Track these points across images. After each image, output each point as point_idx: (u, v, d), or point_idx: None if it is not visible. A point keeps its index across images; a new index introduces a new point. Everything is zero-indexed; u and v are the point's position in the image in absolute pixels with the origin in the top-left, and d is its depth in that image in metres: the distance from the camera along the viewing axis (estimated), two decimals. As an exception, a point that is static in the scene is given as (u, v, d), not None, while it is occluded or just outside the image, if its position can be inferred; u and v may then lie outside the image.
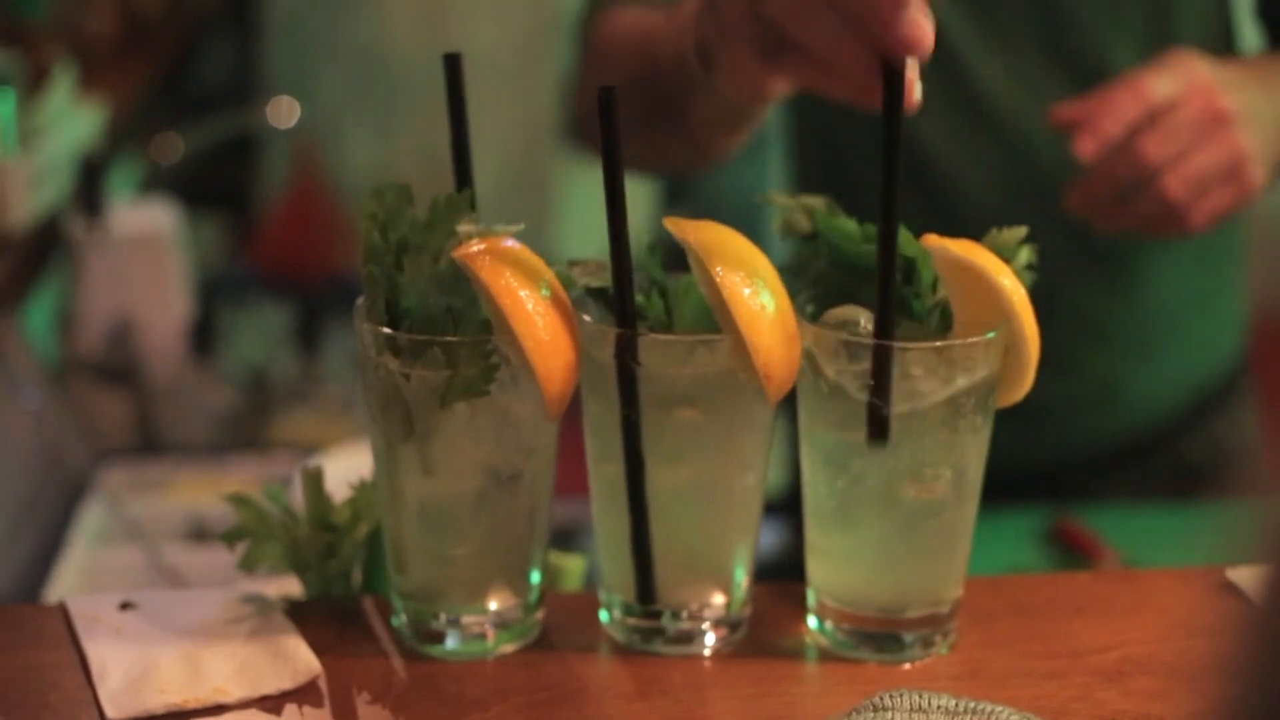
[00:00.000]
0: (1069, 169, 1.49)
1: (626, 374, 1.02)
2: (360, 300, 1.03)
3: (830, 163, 1.75)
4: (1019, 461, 1.76)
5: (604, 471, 1.06)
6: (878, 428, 1.01)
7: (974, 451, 1.05)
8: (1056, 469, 1.82)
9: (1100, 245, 1.69)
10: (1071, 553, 1.77)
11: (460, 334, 1.00)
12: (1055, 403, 1.74)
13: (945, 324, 1.05)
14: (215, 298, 2.62)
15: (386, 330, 1.01)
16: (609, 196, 1.00)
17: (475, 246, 0.99)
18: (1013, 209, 1.64)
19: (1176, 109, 1.41)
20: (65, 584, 1.72)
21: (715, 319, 1.02)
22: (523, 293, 0.98)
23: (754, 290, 1.00)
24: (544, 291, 0.99)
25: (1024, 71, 1.64)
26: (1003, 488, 1.63)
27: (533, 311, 0.98)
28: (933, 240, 1.03)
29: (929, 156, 1.67)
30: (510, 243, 1.00)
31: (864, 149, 1.34)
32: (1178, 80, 1.42)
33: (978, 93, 1.65)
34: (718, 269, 1.00)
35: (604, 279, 1.04)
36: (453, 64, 1.06)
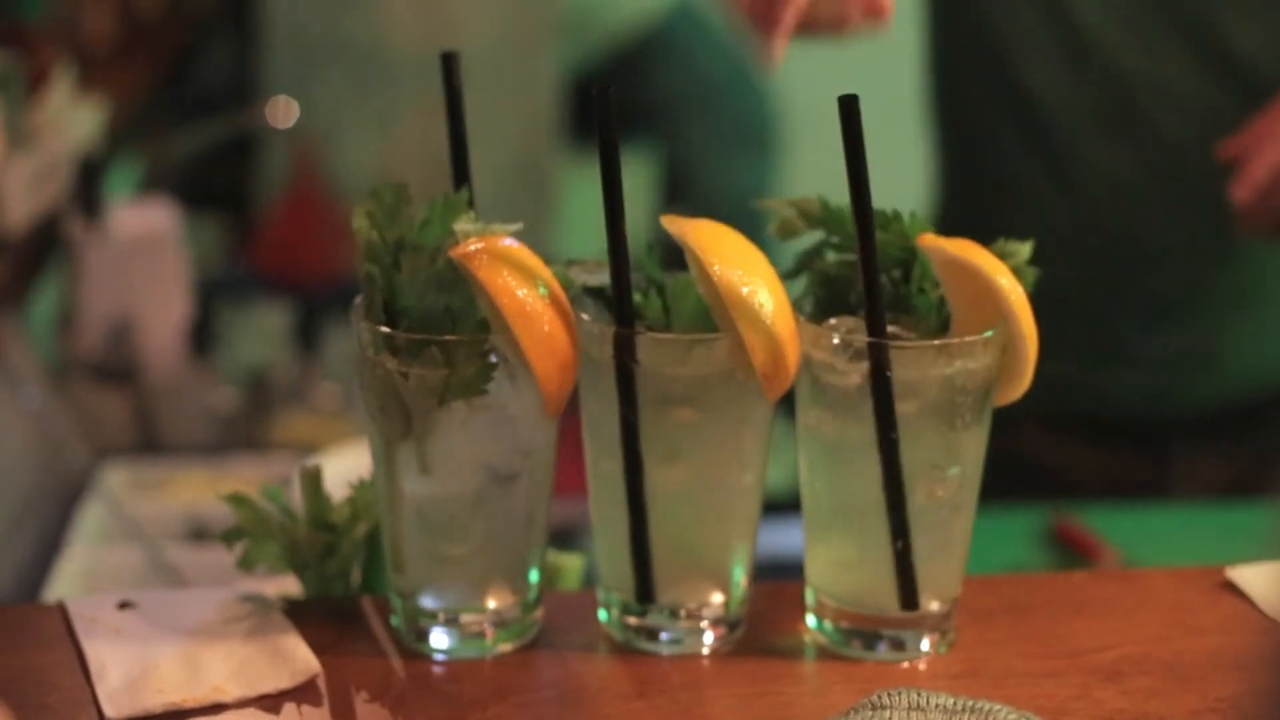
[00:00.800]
0: (1168, 113, 1.76)
1: (625, 373, 1.02)
2: (358, 299, 1.03)
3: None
4: (1121, 412, 1.90)
5: (602, 471, 1.06)
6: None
7: (972, 450, 1.05)
8: (1158, 424, 1.91)
9: (1197, 192, 1.78)
10: (1070, 552, 1.77)
11: (458, 333, 1.00)
12: (1155, 354, 1.86)
13: (943, 322, 1.05)
14: (214, 297, 2.62)
15: (384, 329, 1.01)
16: (607, 195, 1.01)
17: (473, 245, 0.99)
18: (1109, 145, 1.78)
19: None
20: (64, 584, 1.72)
21: (713, 318, 1.02)
22: (520, 292, 0.98)
23: (752, 289, 1.00)
24: (542, 290, 0.99)
25: (1128, 11, 1.77)
26: (1107, 434, 1.86)
27: (530, 311, 0.98)
28: (929, 240, 1.03)
29: (1027, 86, 1.79)
30: (508, 242, 1.00)
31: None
32: None
33: (1080, 26, 1.77)
34: (716, 267, 1.00)
35: (602, 278, 1.04)
36: (450, 63, 1.06)
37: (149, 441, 2.20)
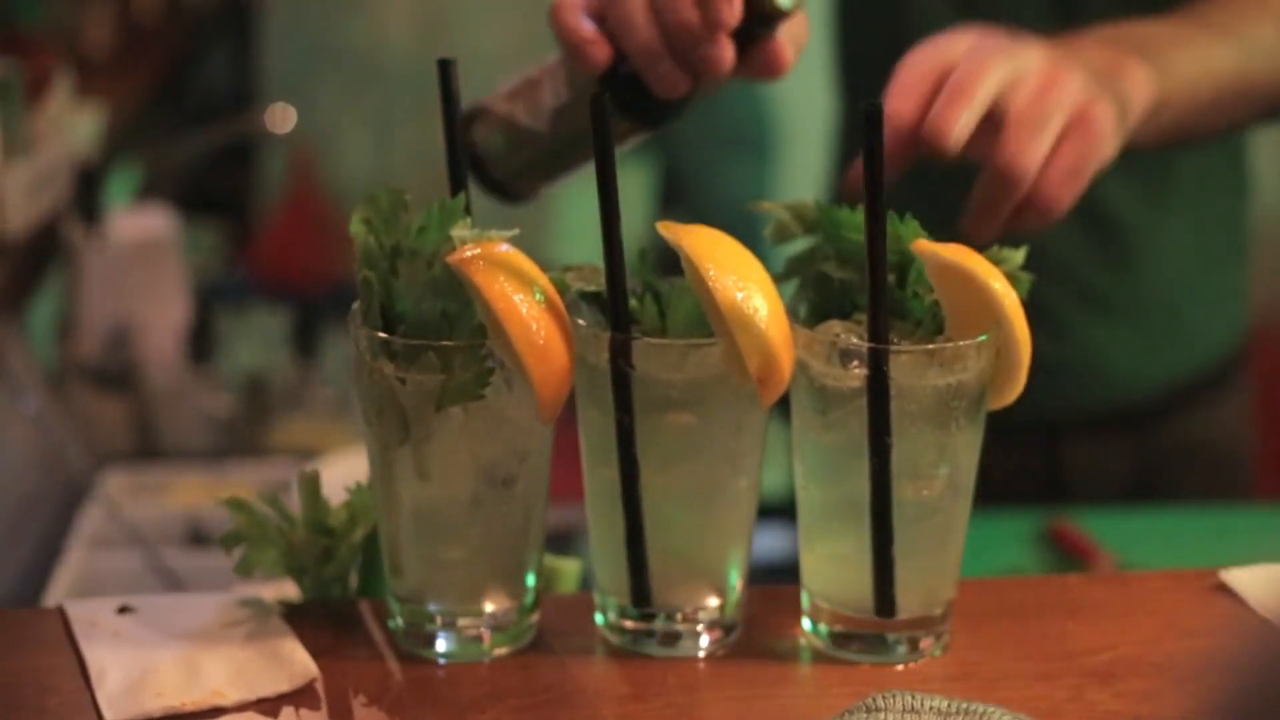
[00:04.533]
0: None
1: (620, 378, 1.03)
2: (355, 305, 1.03)
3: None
4: (1013, 414, 1.84)
5: (599, 475, 1.07)
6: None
7: (966, 453, 1.06)
8: (1049, 428, 1.87)
9: (1100, 214, 1.74)
10: (1066, 556, 1.78)
11: (455, 338, 1.01)
12: (1048, 361, 1.82)
13: (937, 326, 1.05)
14: (213, 303, 2.63)
15: (381, 335, 1.01)
16: (602, 201, 1.01)
17: (470, 251, 1.00)
18: None
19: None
20: (64, 588, 1.72)
21: (709, 323, 1.03)
22: (517, 297, 0.99)
23: (747, 294, 1.00)
24: (538, 296, 1.00)
25: None
26: (1000, 438, 1.75)
27: (527, 316, 0.99)
28: (923, 245, 1.03)
29: None
30: (505, 247, 1.01)
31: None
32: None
33: None
34: (711, 273, 1.00)
35: (598, 283, 1.04)
36: (446, 70, 1.06)
37: (148, 446, 2.20)
